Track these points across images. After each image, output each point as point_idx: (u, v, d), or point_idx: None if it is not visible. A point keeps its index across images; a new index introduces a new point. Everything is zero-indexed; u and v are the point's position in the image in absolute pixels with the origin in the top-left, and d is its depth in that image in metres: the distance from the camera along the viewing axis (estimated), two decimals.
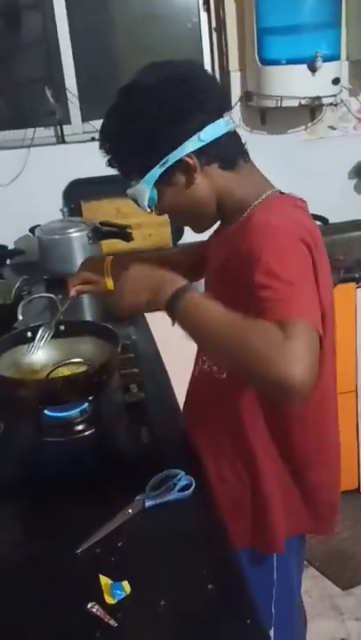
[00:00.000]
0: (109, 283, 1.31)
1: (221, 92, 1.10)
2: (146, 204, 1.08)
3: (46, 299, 1.79)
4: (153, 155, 1.03)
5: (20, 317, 1.71)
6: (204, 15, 2.41)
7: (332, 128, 2.56)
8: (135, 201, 1.10)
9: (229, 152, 1.06)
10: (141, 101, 1.02)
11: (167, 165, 1.03)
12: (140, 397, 1.37)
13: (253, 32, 2.26)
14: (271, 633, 1.23)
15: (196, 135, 1.02)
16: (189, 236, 2.21)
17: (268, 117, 2.45)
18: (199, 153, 1.03)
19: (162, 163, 1.03)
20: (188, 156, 1.03)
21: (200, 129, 1.02)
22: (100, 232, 2.21)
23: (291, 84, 2.26)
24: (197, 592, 0.93)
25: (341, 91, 2.38)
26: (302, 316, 0.88)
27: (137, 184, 1.06)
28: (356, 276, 2.19)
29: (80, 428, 1.30)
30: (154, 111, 1.00)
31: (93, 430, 1.29)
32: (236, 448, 1.18)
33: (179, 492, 1.11)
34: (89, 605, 0.91)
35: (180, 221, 1.21)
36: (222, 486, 1.18)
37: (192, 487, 1.12)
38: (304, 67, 2.22)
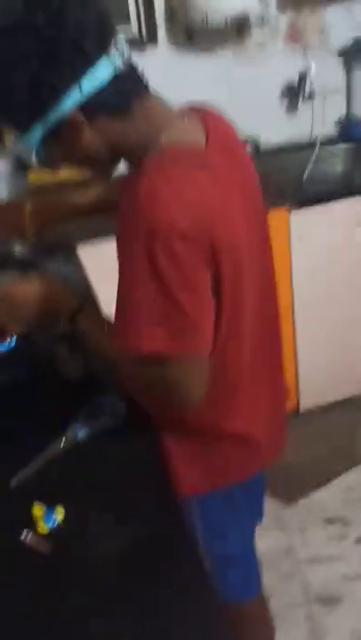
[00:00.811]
0: (29, 226, 1.34)
1: (104, 20, 0.90)
2: (33, 161, 0.96)
3: None
4: (27, 113, 0.90)
5: None
6: None
7: (261, 46, 2.48)
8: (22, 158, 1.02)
9: (120, 96, 0.92)
10: (5, 51, 0.86)
11: (50, 123, 0.90)
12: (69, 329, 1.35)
13: None
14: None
15: (77, 85, 0.87)
16: None
17: (196, 36, 2.35)
18: (84, 105, 0.89)
19: (42, 121, 0.90)
20: (71, 112, 0.89)
21: (78, 77, 0.87)
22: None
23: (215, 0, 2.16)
24: (132, 516, 0.94)
25: (269, 7, 2.29)
26: (154, 348, 0.91)
27: (21, 141, 0.94)
28: (287, 200, 2.18)
29: (10, 360, 1.28)
30: (16, 66, 0.86)
31: (24, 362, 1.27)
32: None
33: (111, 419, 1.12)
34: (22, 535, 0.92)
35: (78, 169, 1.09)
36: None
37: (123, 413, 1.12)
38: None
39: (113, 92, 0.90)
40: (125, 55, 0.91)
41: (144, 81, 0.96)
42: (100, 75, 0.88)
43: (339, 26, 2.52)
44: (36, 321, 1.10)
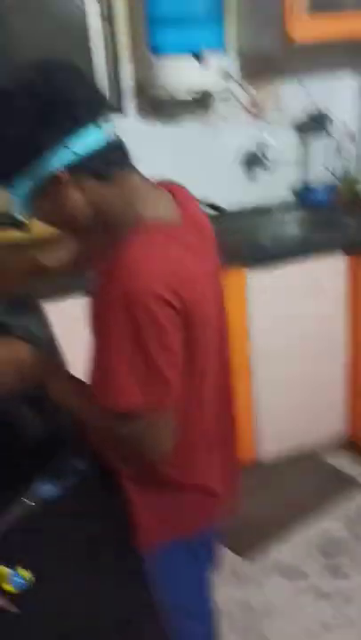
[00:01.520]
0: None
1: (98, 98, 1.03)
2: (19, 216, 1.06)
3: None
4: (15, 166, 0.98)
5: None
6: (94, 4, 2.39)
7: (223, 119, 2.64)
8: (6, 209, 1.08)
9: (107, 164, 1.01)
10: (2, 109, 0.96)
11: (37, 178, 0.98)
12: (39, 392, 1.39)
13: (143, 22, 2.28)
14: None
15: (65, 146, 0.96)
16: None
17: (161, 108, 2.49)
18: (72, 165, 0.98)
19: (29, 174, 0.98)
20: (58, 169, 0.98)
21: (67, 140, 0.96)
22: None
23: (181, 75, 2.30)
24: (96, 581, 0.98)
25: (231, 84, 2.45)
26: (134, 404, 0.99)
27: (6, 192, 1.02)
28: (245, 261, 2.28)
29: None
30: (12, 122, 0.95)
31: None
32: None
33: (75, 477, 1.15)
34: None
35: (58, 229, 1.16)
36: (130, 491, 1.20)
37: (85, 472, 1.16)
38: (193, 59, 2.27)
39: (98, 158, 1.00)
40: (113, 129, 1.02)
41: (129, 156, 1.06)
42: (87, 140, 0.98)
43: (294, 100, 2.71)
44: (8, 385, 1.15)
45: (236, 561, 2.22)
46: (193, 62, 2.28)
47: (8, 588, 0.95)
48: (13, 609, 0.93)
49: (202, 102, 2.54)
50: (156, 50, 2.28)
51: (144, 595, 0.98)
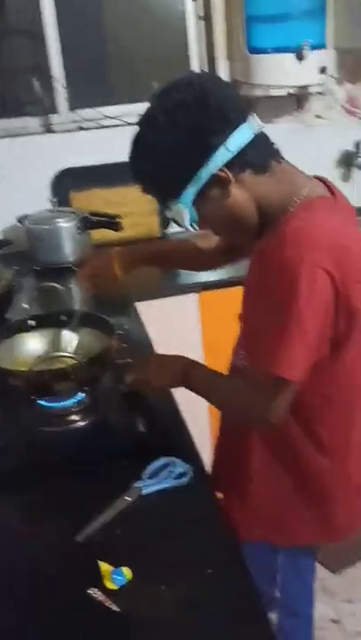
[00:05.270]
0: (117, 271, 1.44)
1: (239, 97, 1.10)
2: (187, 223, 1.09)
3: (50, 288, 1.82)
4: (183, 177, 1.04)
5: (27, 306, 1.76)
6: (190, 3, 2.40)
7: (320, 117, 2.57)
8: (176, 222, 1.12)
9: (260, 155, 1.06)
10: (162, 130, 1.03)
11: (201, 183, 1.04)
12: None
13: (241, 20, 2.26)
14: (274, 616, 1.28)
15: (223, 147, 1.02)
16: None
17: (257, 106, 2.45)
18: (230, 163, 1.03)
19: (194, 182, 1.04)
20: (219, 169, 1.03)
21: (225, 140, 1.02)
22: (90, 222, 2.20)
23: (278, 72, 2.26)
24: (196, 577, 0.95)
25: (328, 79, 2.39)
26: (281, 371, 1.02)
27: (175, 206, 1.08)
28: None
29: (76, 417, 1.32)
30: (176, 137, 1.02)
31: (90, 420, 1.31)
32: (260, 452, 1.22)
33: (175, 479, 1.13)
34: (89, 591, 0.93)
35: (226, 235, 1.24)
36: (249, 485, 1.24)
37: (189, 474, 1.14)
38: (292, 55, 2.22)
39: (253, 152, 1.05)
40: (259, 124, 1.07)
41: (275, 146, 1.10)
42: (242, 137, 1.03)
43: None
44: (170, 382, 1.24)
45: (326, 577, 2.13)
46: (291, 59, 2.24)
47: (110, 585, 0.93)
48: (112, 606, 0.91)
49: (298, 100, 2.49)
50: (254, 47, 2.25)
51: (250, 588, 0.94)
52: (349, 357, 1.10)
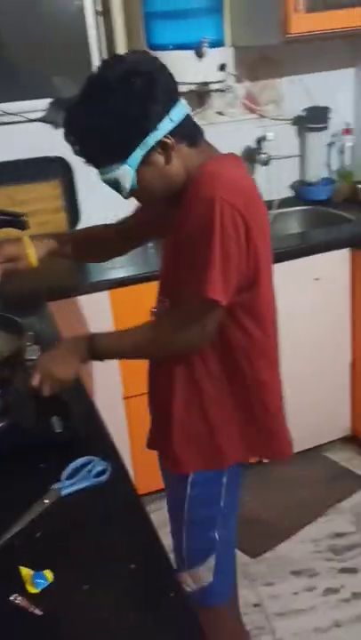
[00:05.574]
0: (31, 255, 1.47)
1: (173, 76, 1.20)
2: (128, 186, 1.18)
3: None
4: (135, 139, 1.13)
5: None
6: None
7: (221, 114, 2.62)
8: (112, 185, 1.19)
9: (193, 130, 1.20)
10: (112, 94, 1.10)
11: (147, 148, 1.14)
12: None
13: (140, 16, 2.26)
14: (212, 560, 1.39)
15: (168, 117, 1.13)
16: (86, 220, 2.21)
17: None
18: (171, 133, 1.14)
19: (142, 145, 1.13)
20: (165, 136, 1.14)
21: (170, 111, 1.13)
22: None
23: (179, 69, 2.25)
24: (120, 574, 0.95)
25: (228, 77, 2.44)
26: (211, 294, 1.14)
27: (120, 167, 1.15)
28: None
29: None
30: (132, 101, 1.10)
31: (3, 423, 1.27)
32: (188, 384, 1.31)
33: (95, 477, 1.13)
34: (11, 597, 0.91)
35: (147, 199, 1.29)
36: (177, 417, 1.33)
37: (107, 472, 1.14)
38: (191, 52, 2.25)
39: (188, 125, 1.19)
40: (187, 105, 1.20)
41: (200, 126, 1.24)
42: (180, 111, 1.16)
43: (292, 95, 2.70)
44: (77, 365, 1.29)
45: (246, 562, 2.19)
46: (191, 56, 2.26)
47: (32, 589, 0.91)
48: (35, 610, 0.89)
49: (200, 97, 2.52)
50: (153, 44, 2.26)
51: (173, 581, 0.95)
52: (256, 306, 1.27)
